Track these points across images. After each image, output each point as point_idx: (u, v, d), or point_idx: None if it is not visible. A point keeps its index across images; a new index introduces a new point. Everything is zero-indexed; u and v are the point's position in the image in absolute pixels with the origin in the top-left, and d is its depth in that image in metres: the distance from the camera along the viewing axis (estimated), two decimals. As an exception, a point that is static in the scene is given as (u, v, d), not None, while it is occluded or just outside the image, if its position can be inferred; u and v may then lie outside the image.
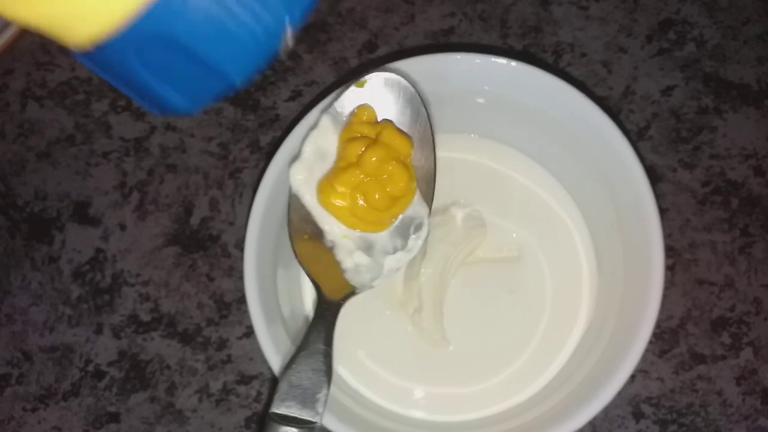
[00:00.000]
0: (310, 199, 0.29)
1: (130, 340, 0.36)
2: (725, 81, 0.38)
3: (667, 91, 0.38)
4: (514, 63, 0.30)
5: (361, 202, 0.29)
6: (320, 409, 0.27)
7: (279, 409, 0.27)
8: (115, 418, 0.35)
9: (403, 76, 0.30)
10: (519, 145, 0.35)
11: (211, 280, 0.36)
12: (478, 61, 0.31)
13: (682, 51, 0.39)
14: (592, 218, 0.34)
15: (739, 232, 0.36)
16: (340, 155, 0.29)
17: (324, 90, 0.38)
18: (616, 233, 0.32)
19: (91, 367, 0.36)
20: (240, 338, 0.35)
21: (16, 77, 0.39)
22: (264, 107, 0.38)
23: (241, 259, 0.31)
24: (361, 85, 0.30)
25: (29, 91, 0.39)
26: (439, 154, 0.35)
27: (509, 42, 0.39)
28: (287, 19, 0.16)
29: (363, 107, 0.30)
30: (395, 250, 0.30)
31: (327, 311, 0.29)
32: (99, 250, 0.37)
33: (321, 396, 0.27)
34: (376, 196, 0.29)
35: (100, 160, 0.38)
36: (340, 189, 0.29)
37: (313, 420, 0.27)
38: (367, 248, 0.30)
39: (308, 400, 0.27)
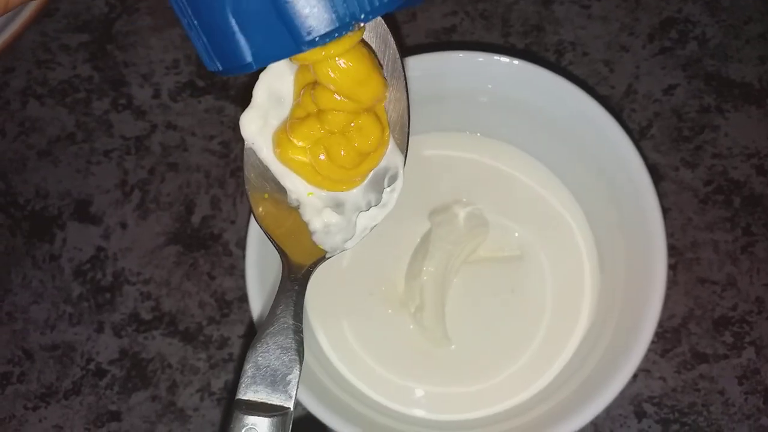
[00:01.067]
0: (267, 153, 0.25)
1: (131, 339, 0.36)
2: (727, 80, 0.38)
3: (669, 90, 0.38)
4: (516, 61, 0.30)
5: (323, 157, 0.24)
6: (292, 392, 0.24)
7: (245, 395, 0.23)
8: (116, 416, 0.35)
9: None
10: (521, 144, 0.35)
11: (213, 278, 0.36)
12: (480, 59, 0.31)
13: (684, 50, 0.38)
14: (594, 217, 0.34)
15: (741, 232, 0.36)
16: (297, 101, 0.25)
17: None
18: (618, 232, 0.32)
19: (92, 366, 0.35)
20: (241, 337, 0.35)
21: (16, 75, 0.39)
22: (265, 106, 0.38)
23: (243, 257, 0.31)
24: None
25: (30, 89, 0.39)
26: (442, 152, 0.35)
27: (511, 41, 0.39)
28: (363, 13, 0.17)
29: None
30: (369, 206, 0.26)
31: (295, 281, 0.25)
32: (100, 249, 0.37)
33: (292, 378, 0.24)
34: (342, 153, 0.24)
35: (101, 159, 0.38)
36: (299, 143, 0.24)
37: (285, 405, 0.23)
38: (337, 205, 0.26)
39: (278, 382, 0.24)
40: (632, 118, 0.38)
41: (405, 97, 0.25)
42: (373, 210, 0.26)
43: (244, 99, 0.38)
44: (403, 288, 0.33)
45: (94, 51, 0.39)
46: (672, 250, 0.35)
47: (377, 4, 0.17)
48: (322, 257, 0.26)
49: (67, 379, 0.35)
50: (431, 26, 0.39)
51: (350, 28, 0.17)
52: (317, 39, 0.17)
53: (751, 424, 0.34)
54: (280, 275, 0.26)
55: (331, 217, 0.26)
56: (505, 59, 0.30)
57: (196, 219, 0.37)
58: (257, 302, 0.29)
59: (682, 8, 0.39)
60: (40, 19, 0.39)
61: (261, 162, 0.25)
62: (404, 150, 0.26)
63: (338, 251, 0.26)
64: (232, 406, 0.24)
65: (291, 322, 0.24)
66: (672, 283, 0.35)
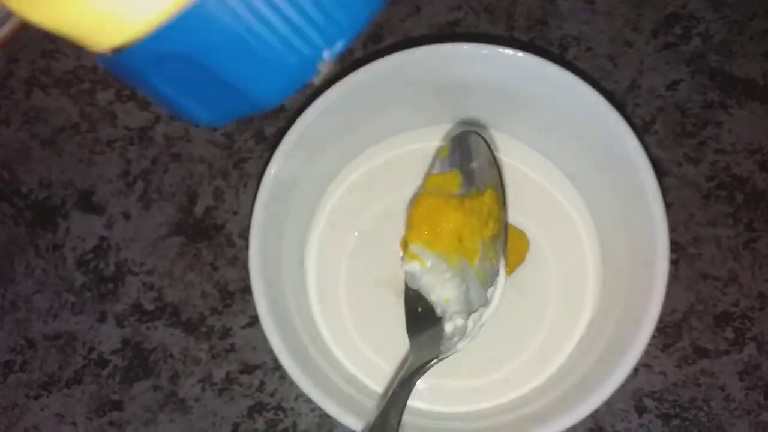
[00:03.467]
0: (419, 277, 0.31)
1: (133, 329, 0.36)
2: (731, 76, 0.38)
3: (673, 85, 0.38)
4: (520, 54, 0.30)
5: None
6: None
7: None
8: (117, 406, 0.35)
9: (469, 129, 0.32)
10: (525, 137, 0.35)
11: (215, 269, 0.36)
12: (485, 51, 0.31)
13: (688, 45, 0.38)
14: (597, 212, 0.34)
15: (743, 227, 0.36)
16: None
17: (327, 82, 0.38)
18: (621, 227, 0.32)
19: (94, 355, 0.36)
20: (243, 327, 0.35)
21: (21, 65, 0.39)
22: (269, 98, 0.38)
23: (245, 248, 0.31)
24: (445, 154, 0.32)
25: (34, 79, 0.39)
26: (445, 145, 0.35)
27: (515, 35, 0.39)
28: (325, 51, 0.15)
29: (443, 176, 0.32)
30: (478, 306, 0.30)
31: (410, 381, 0.29)
32: (103, 239, 0.37)
33: None
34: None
35: (104, 149, 0.38)
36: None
37: None
38: (467, 312, 0.30)
39: None
40: (636, 113, 0.38)
41: (505, 207, 0.31)
42: (480, 309, 0.30)
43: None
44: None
45: (99, 41, 0.40)
46: (674, 245, 0.35)
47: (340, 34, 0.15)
48: (437, 359, 0.30)
49: (69, 368, 0.36)
50: (435, 20, 0.39)
51: (313, 74, 0.15)
52: (277, 100, 0.15)
53: (751, 420, 0.34)
54: (405, 373, 0.29)
55: (459, 321, 0.30)
56: (509, 51, 0.30)
57: (198, 210, 0.37)
58: (260, 293, 0.29)
59: (687, 4, 0.39)
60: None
61: (417, 285, 0.32)
62: (503, 254, 0.30)
63: (452, 353, 0.30)
64: None
65: (395, 425, 0.28)
66: (674, 278, 0.35)
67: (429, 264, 0.31)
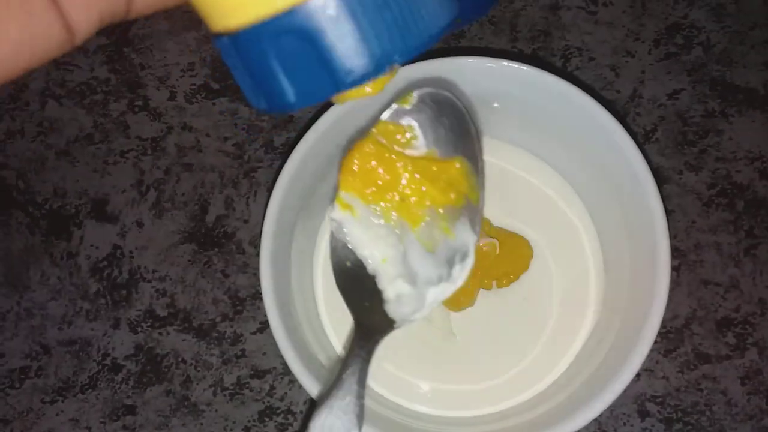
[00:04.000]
0: (350, 227, 0.29)
1: (146, 335, 0.37)
2: (732, 85, 0.39)
3: (674, 94, 0.39)
4: (525, 67, 0.31)
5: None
6: None
7: None
8: (131, 410, 0.36)
9: (447, 90, 0.29)
10: (529, 147, 0.36)
11: (226, 276, 0.37)
12: (490, 65, 0.31)
13: (690, 55, 0.39)
14: (599, 219, 0.35)
15: (744, 234, 0.37)
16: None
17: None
18: (622, 234, 0.32)
19: (108, 361, 0.36)
20: (254, 333, 0.36)
21: (35, 77, 0.40)
22: (278, 108, 0.39)
23: (255, 256, 0.32)
24: (406, 102, 0.29)
25: (48, 91, 0.40)
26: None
27: (518, 46, 0.39)
28: (397, 55, 0.18)
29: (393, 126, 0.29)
30: (439, 281, 0.29)
31: (363, 348, 0.28)
32: (116, 247, 0.38)
33: None
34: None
35: (117, 159, 0.39)
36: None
37: None
38: (410, 277, 0.29)
39: None
40: (637, 121, 0.38)
41: (481, 188, 0.29)
42: (442, 284, 0.28)
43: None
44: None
45: (112, 54, 0.40)
46: (675, 251, 0.36)
47: (411, 45, 0.18)
48: (390, 326, 0.28)
49: (84, 374, 0.36)
50: (441, 31, 0.40)
51: (386, 68, 0.18)
52: (356, 80, 0.18)
53: (753, 425, 0.35)
54: (352, 339, 0.28)
55: (403, 287, 0.28)
56: (514, 65, 0.31)
57: (210, 218, 0.38)
58: (271, 299, 0.30)
59: (688, 14, 0.40)
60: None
61: (345, 236, 0.29)
62: (475, 231, 0.29)
63: (407, 322, 0.28)
64: None
65: (356, 387, 0.27)
66: (675, 284, 0.36)
67: (360, 215, 0.29)
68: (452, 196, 0.28)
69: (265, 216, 0.31)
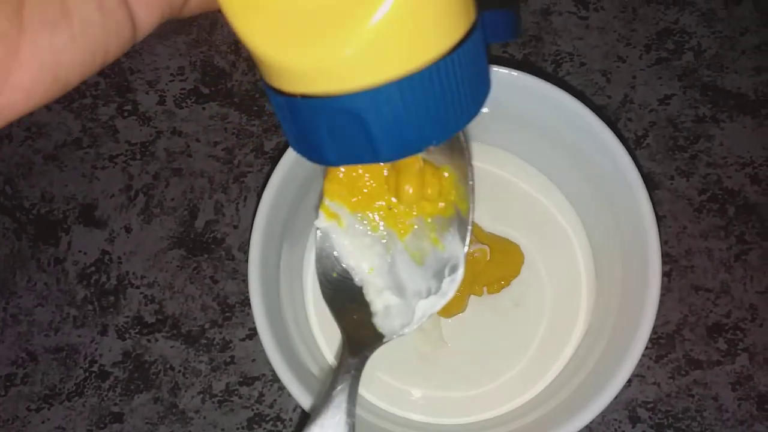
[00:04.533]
0: (336, 236, 0.28)
1: (134, 341, 0.36)
2: (722, 90, 0.39)
3: (665, 100, 0.39)
4: (515, 72, 0.31)
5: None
6: None
7: None
8: (118, 418, 0.35)
9: None
10: (520, 152, 0.36)
11: (215, 282, 0.37)
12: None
13: (680, 60, 0.39)
14: (590, 225, 0.35)
15: (735, 240, 0.37)
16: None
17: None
18: (613, 239, 0.32)
19: (95, 368, 0.36)
20: (243, 340, 0.36)
21: (24, 81, 0.40)
22: (269, 113, 0.39)
23: (245, 261, 0.32)
24: None
25: (37, 95, 0.40)
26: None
27: (509, 51, 0.39)
28: (435, 140, 0.20)
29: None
30: (428, 294, 0.28)
31: (352, 363, 0.27)
32: (104, 252, 0.37)
33: None
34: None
35: (106, 164, 0.39)
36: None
37: None
38: (398, 288, 0.28)
39: None
40: (628, 127, 0.38)
41: (471, 198, 0.28)
42: (431, 297, 0.28)
43: (247, 107, 0.39)
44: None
45: (100, 58, 0.40)
46: (666, 257, 0.36)
47: (444, 135, 0.20)
48: (379, 341, 0.28)
49: (71, 381, 0.36)
50: (432, 36, 0.40)
51: (421, 151, 0.20)
52: (392, 159, 0.20)
53: (744, 430, 0.34)
54: (341, 354, 0.28)
55: (391, 299, 0.28)
56: (504, 70, 0.31)
57: (199, 223, 0.38)
58: (259, 306, 0.30)
59: (679, 19, 0.40)
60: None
61: (331, 245, 0.28)
62: (465, 243, 0.28)
63: (396, 335, 0.28)
64: None
65: (345, 404, 0.26)
66: (666, 289, 0.36)
67: (346, 224, 0.28)
68: (441, 205, 0.28)
69: (254, 221, 0.31)
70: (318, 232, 0.29)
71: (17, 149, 0.39)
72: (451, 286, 0.27)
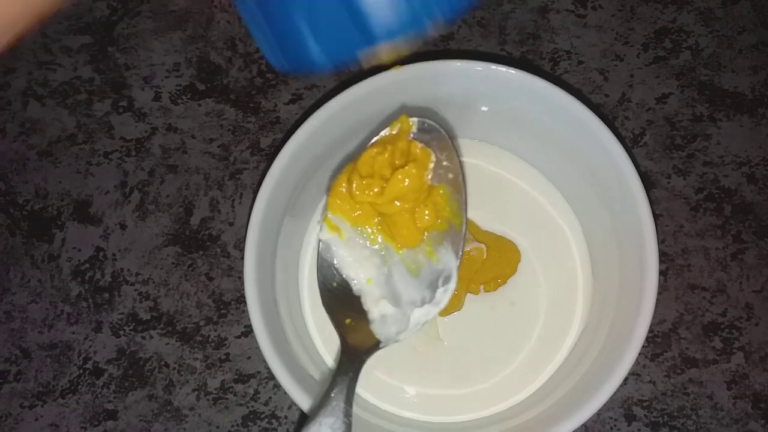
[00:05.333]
0: (337, 249, 0.30)
1: (128, 339, 0.36)
2: (720, 89, 0.39)
3: (662, 98, 0.39)
4: (513, 71, 0.31)
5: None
6: None
7: None
8: (112, 415, 0.35)
9: (429, 117, 0.30)
10: (517, 150, 0.36)
11: (210, 279, 0.37)
12: (478, 68, 0.31)
13: (678, 59, 0.39)
14: (587, 223, 0.35)
15: (731, 239, 0.37)
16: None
17: (325, 94, 0.39)
18: (610, 238, 0.32)
19: (89, 365, 0.36)
20: (238, 337, 0.36)
21: (17, 76, 0.40)
22: (265, 110, 0.39)
23: (240, 259, 0.31)
24: (393, 128, 0.30)
25: (31, 90, 0.39)
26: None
27: (507, 49, 0.39)
28: (435, 10, 0.18)
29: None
30: (423, 303, 0.29)
31: (350, 366, 0.28)
32: (99, 249, 0.37)
33: None
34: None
35: (101, 160, 0.38)
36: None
37: None
38: (394, 298, 0.30)
39: None
40: (626, 125, 0.38)
41: (464, 210, 0.30)
42: (426, 306, 0.29)
43: (243, 103, 0.39)
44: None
45: (96, 53, 0.40)
46: (663, 256, 0.36)
47: (443, 8, 0.18)
48: (376, 345, 0.29)
49: (64, 378, 0.36)
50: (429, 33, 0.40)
51: (419, 27, 0.18)
52: (386, 36, 0.18)
53: (739, 429, 0.35)
54: (339, 357, 0.29)
55: (387, 308, 0.29)
56: (502, 68, 0.31)
57: (194, 220, 0.37)
58: (255, 303, 0.29)
59: (677, 18, 0.40)
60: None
61: (332, 256, 0.30)
62: (458, 255, 0.30)
63: (391, 342, 0.29)
64: None
65: (343, 405, 0.27)
66: (663, 288, 0.36)
67: (347, 237, 0.30)
68: (437, 221, 0.30)
69: (250, 218, 0.30)
70: (320, 243, 0.30)
71: (11, 145, 0.39)
72: (444, 295, 0.29)
